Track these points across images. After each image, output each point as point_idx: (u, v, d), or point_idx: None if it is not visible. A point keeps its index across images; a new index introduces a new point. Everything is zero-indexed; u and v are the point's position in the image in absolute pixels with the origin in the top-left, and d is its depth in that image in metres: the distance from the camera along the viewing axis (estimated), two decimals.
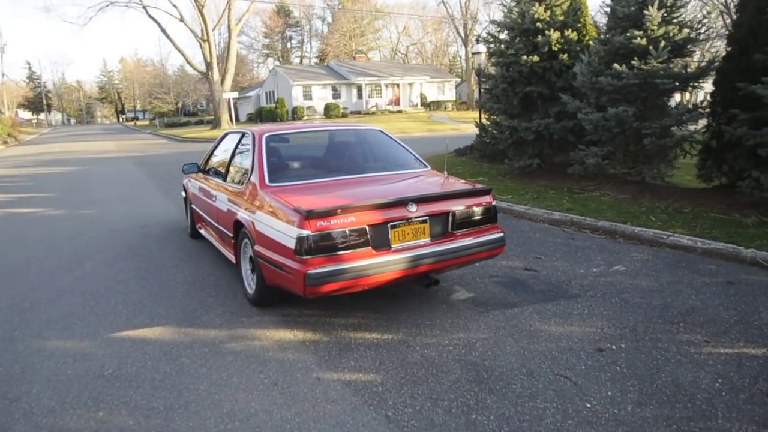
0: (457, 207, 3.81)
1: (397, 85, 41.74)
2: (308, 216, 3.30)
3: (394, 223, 3.53)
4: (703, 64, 7.54)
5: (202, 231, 5.91)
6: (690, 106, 8.02)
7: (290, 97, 37.46)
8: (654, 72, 7.14)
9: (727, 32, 7.84)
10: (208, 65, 32.07)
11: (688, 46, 7.63)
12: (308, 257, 3.31)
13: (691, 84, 7.65)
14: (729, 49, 7.44)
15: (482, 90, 12.12)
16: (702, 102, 7.96)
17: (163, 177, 12.78)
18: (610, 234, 6.04)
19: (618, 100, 7.72)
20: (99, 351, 3.55)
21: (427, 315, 3.92)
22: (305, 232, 3.29)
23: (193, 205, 6.12)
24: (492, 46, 10.87)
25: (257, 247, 3.82)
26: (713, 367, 3.04)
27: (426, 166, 4.62)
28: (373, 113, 38.18)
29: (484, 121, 11.90)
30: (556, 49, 9.16)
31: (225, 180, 4.81)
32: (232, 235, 4.45)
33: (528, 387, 2.92)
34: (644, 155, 7.94)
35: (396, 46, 63.00)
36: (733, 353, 3.19)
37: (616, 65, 7.34)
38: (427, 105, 42.15)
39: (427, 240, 3.69)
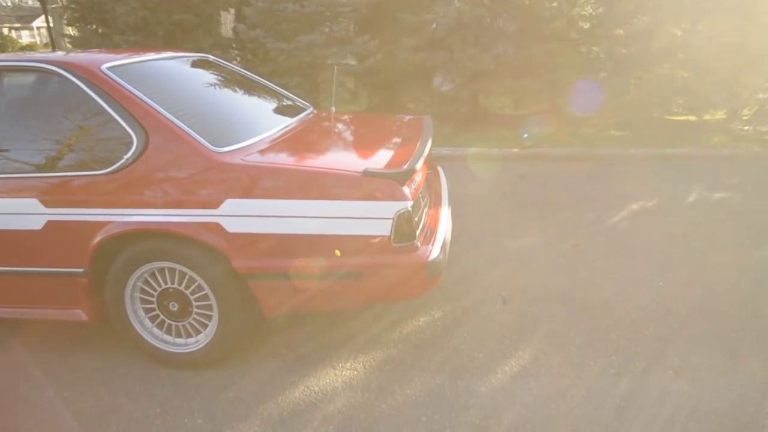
0: None
1: None
2: (403, 178, 2.13)
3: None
4: None
5: None
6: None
7: None
8: (339, 2, 7.35)
9: None
10: None
11: None
12: (416, 240, 2.18)
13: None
14: None
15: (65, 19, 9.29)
16: (348, 31, 8.76)
17: None
18: None
19: (299, 29, 7.61)
20: None
21: None
22: (407, 204, 2.12)
23: None
24: None
25: (249, 262, 2.16)
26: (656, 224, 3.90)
27: (309, 105, 3.52)
28: None
29: None
30: None
31: None
32: (83, 270, 2.29)
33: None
34: (323, 83, 8.27)
35: None
36: (643, 210, 4.15)
37: None
38: None
39: None
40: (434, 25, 7.30)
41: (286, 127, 2.74)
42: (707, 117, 8.20)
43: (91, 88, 2.24)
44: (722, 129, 7.32)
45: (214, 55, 3.25)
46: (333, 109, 3.45)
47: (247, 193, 2.12)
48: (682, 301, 2.90)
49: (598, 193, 4.73)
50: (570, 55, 8.14)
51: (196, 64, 3.03)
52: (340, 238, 2.12)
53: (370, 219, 2.11)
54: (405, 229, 2.12)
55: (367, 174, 2.11)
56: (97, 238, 2.22)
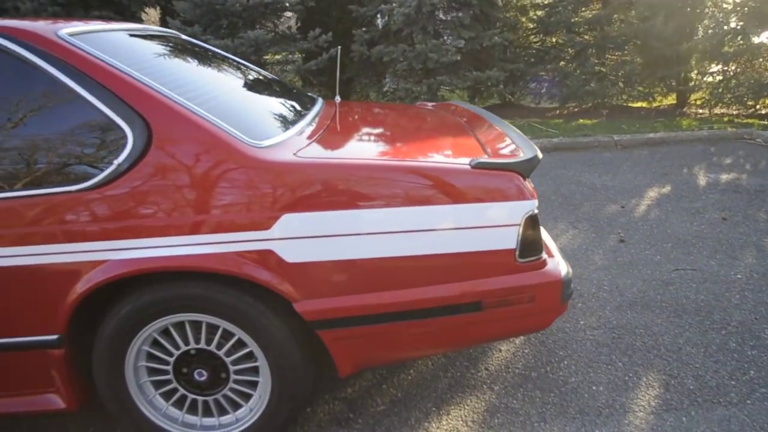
0: None
1: None
2: (527, 169, 1.58)
3: None
4: None
5: None
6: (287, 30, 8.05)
7: None
8: None
9: None
10: None
11: None
12: (543, 252, 1.63)
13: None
14: None
15: None
16: (291, 27, 8.14)
17: None
18: None
19: (240, 25, 6.86)
20: None
21: None
22: (533, 204, 1.57)
23: None
24: None
25: (320, 303, 1.50)
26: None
27: (315, 95, 2.87)
28: None
29: None
30: None
31: None
32: (56, 337, 1.53)
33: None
34: None
35: None
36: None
37: None
38: None
39: None
40: (389, 17, 6.80)
41: (315, 117, 2.08)
42: (657, 103, 8.31)
43: (50, 63, 1.49)
44: (678, 113, 7.38)
45: None
46: (338, 98, 2.82)
47: (312, 204, 1.47)
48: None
49: (605, 182, 4.42)
50: (525, 46, 7.95)
51: (169, 40, 2.27)
52: (448, 258, 1.52)
53: (488, 228, 1.52)
54: (532, 238, 1.56)
55: (479, 166, 1.53)
56: (80, 288, 1.47)
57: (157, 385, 1.65)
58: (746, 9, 6.78)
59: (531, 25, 7.92)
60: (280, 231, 1.46)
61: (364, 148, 1.80)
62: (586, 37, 7.49)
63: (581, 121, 6.85)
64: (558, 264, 1.66)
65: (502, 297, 1.56)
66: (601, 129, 6.21)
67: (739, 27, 6.89)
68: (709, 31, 7.27)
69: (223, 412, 1.68)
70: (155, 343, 1.60)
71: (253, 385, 1.64)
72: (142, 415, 1.64)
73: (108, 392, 1.61)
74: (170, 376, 1.63)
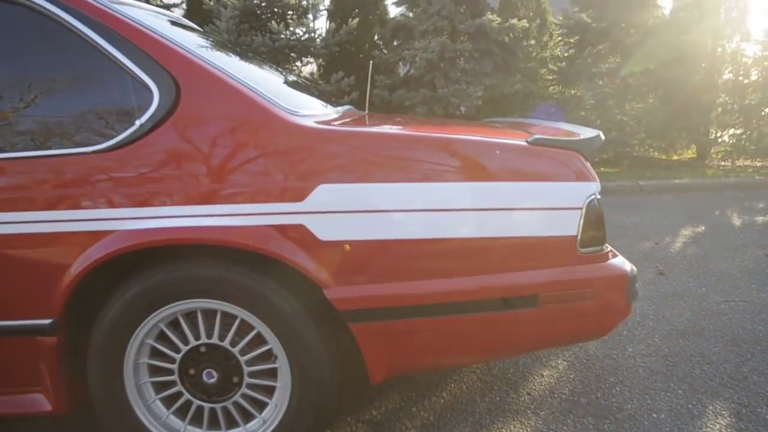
0: None
1: None
2: (588, 149, 1.42)
3: None
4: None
5: None
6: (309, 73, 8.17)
7: None
8: (311, 38, 6.80)
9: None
10: None
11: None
12: (606, 245, 1.45)
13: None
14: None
15: None
16: (313, 73, 8.28)
17: None
18: None
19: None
20: None
21: None
22: (596, 186, 1.40)
23: None
24: None
25: (355, 290, 1.31)
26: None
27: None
28: None
29: None
30: None
31: None
32: (50, 322, 1.34)
33: None
34: None
35: None
36: None
37: (274, 23, 6.51)
38: None
39: None
40: (411, 64, 6.89)
41: (346, 109, 1.96)
42: (677, 156, 8.22)
43: (77, 17, 1.37)
44: (700, 165, 7.27)
45: None
46: (366, 112, 2.71)
47: (352, 176, 1.30)
48: None
49: (636, 222, 4.23)
50: (545, 96, 7.99)
51: (203, 33, 2.18)
52: (500, 243, 1.34)
53: (546, 210, 1.35)
54: (596, 226, 1.38)
55: (537, 143, 1.37)
56: (80, 264, 1.29)
57: (159, 388, 1.44)
58: (767, 63, 6.79)
59: (550, 77, 7.97)
60: (314, 204, 1.29)
61: (405, 127, 1.65)
62: (606, 89, 7.50)
63: (603, 169, 6.74)
64: (623, 260, 1.46)
65: (561, 291, 1.35)
66: (623, 176, 6.09)
67: (760, 80, 6.89)
68: (729, 85, 7.28)
69: (231, 424, 1.45)
70: (160, 337, 1.40)
71: (270, 391, 1.42)
72: (138, 423, 1.42)
73: (101, 392, 1.39)
74: (175, 377, 1.42)
